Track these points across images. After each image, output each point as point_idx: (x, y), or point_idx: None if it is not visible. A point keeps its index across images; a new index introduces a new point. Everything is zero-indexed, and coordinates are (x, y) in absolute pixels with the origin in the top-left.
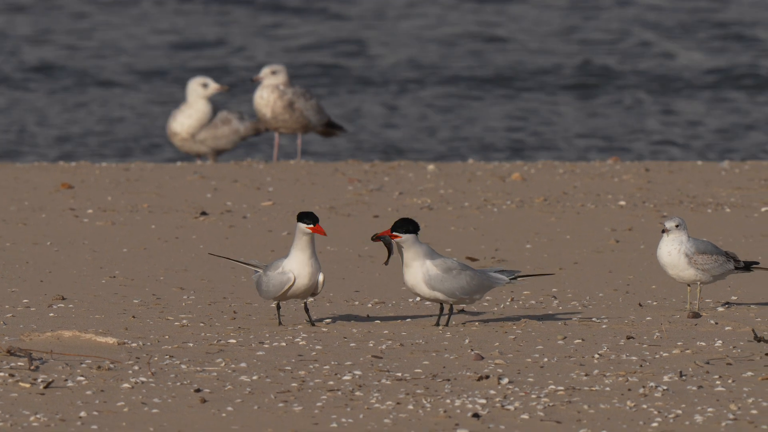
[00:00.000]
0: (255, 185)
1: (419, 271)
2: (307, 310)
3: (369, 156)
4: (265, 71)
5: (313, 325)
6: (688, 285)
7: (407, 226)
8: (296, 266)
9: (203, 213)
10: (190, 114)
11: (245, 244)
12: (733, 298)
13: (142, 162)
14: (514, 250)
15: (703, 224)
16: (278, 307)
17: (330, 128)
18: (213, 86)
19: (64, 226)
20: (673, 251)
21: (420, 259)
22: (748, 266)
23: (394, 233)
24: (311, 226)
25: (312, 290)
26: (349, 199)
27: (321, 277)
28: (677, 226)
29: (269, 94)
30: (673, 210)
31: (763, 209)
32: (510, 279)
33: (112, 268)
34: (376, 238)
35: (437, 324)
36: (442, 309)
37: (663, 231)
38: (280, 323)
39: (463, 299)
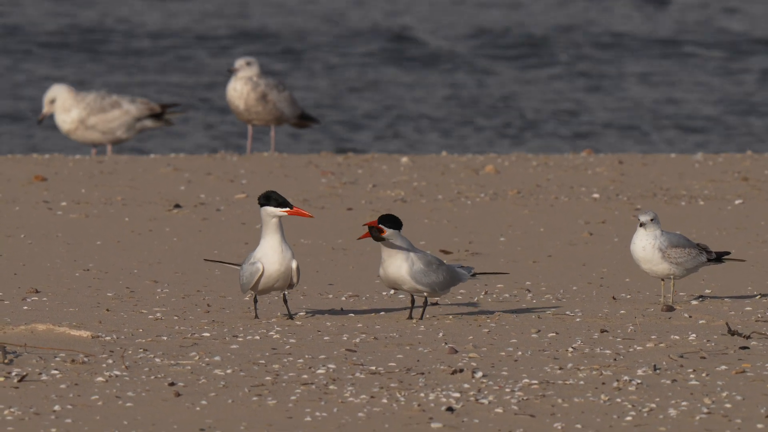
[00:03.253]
0: (228, 178)
1: (404, 264)
2: (285, 302)
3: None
4: (240, 62)
5: (291, 318)
6: (662, 279)
7: (393, 222)
8: (264, 254)
9: (177, 206)
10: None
11: (219, 236)
12: (707, 291)
13: (116, 155)
14: (488, 243)
15: (676, 217)
16: (255, 300)
17: (304, 120)
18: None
19: (37, 219)
20: (647, 246)
21: (404, 252)
22: (719, 257)
23: (380, 225)
24: (288, 209)
25: (287, 278)
26: (322, 191)
27: (294, 264)
28: (652, 220)
29: (242, 86)
30: (647, 203)
31: (737, 202)
32: (471, 275)
33: (86, 261)
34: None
35: (410, 317)
36: (413, 302)
37: (641, 225)
38: (256, 317)
39: (440, 293)
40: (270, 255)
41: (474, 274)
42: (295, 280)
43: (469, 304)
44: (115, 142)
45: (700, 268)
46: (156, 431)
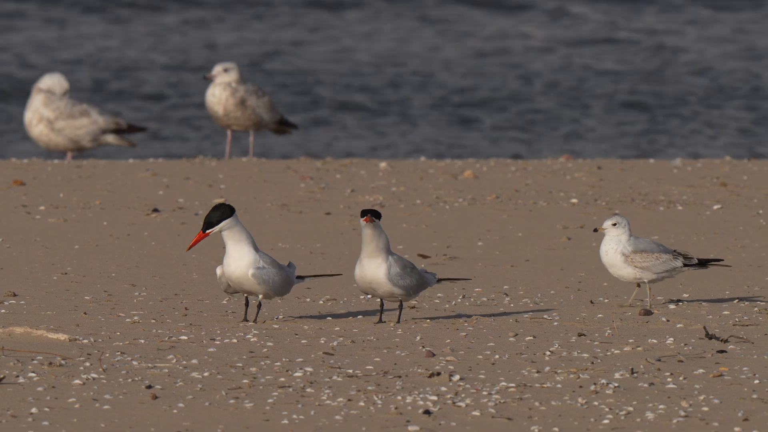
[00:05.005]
0: (207, 182)
1: (383, 265)
2: (259, 306)
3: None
4: (218, 69)
5: (245, 321)
6: (638, 284)
7: (375, 214)
8: (224, 261)
9: (155, 210)
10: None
11: None
12: (685, 295)
13: (94, 159)
14: (466, 247)
15: (655, 222)
16: (246, 303)
17: (282, 126)
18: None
19: (15, 223)
20: (610, 251)
21: (384, 253)
22: (702, 264)
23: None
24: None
25: (249, 285)
26: (301, 196)
27: (250, 272)
28: (614, 225)
29: (221, 91)
30: (625, 208)
31: (715, 207)
32: (437, 280)
33: (63, 265)
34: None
35: (380, 321)
36: (382, 305)
37: (595, 230)
38: (245, 319)
39: (412, 296)
40: (225, 262)
41: (439, 280)
42: (260, 288)
43: (446, 307)
44: (79, 150)
45: (676, 274)
46: None
